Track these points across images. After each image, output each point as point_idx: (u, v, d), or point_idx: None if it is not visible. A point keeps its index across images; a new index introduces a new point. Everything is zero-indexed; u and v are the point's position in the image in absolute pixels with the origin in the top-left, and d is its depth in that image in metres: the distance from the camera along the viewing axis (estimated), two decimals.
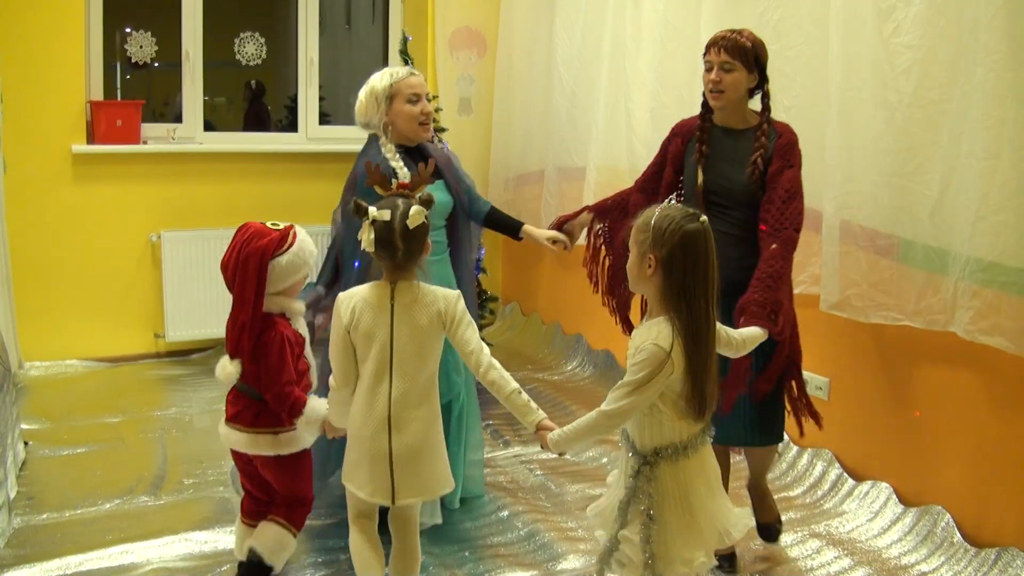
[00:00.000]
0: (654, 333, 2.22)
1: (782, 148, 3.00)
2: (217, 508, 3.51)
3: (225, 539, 3.25)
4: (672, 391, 2.24)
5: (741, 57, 2.96)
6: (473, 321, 2.52)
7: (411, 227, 2.43)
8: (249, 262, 2.68)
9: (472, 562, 3.21)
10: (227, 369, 2.75)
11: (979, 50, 2.89)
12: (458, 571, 3.13)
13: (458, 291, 2.56)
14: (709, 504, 2.32)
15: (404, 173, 3.22)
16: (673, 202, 2.35)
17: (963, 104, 3.00)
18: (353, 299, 2.52)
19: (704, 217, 2.23)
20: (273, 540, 2.85)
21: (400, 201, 2.47)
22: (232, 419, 2.82)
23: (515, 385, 2.46)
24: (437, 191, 3.26)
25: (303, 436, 2.83)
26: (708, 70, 3.03)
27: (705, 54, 3.05)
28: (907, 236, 3.28)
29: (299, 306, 2.87)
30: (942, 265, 3.15)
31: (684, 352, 2.20)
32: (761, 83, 3.04)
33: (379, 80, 3.32)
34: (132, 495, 3.61)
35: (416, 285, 2.51)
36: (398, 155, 3.30)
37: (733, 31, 3.01)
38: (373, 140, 3.37)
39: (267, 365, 2.72)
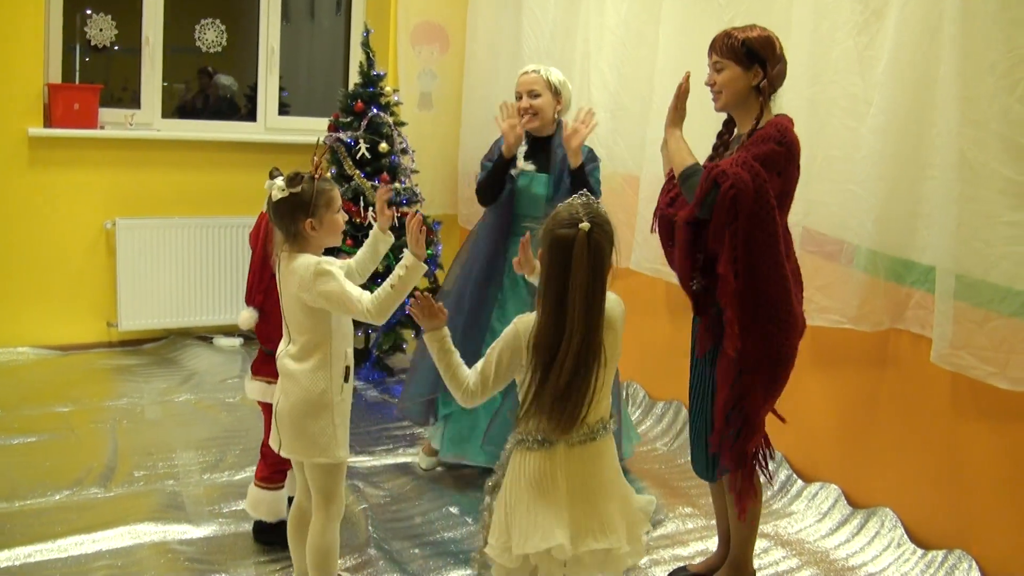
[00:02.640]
0: (528, 318, 2.21)
1: (751, 142, 2.68)
2: (167, 501, 3.48)
3: (175, 531, 3.24)
4: (522, 384, 2.21)
5: (730, 53, 2.72)
6: (337, 277, 2.48)
7: (274, 199, 2.51)
8: (260, 221, 3.08)
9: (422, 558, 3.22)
10: (243, 315, 3.11)
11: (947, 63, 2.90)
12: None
13: (318, 264, 2.48)
14: (526, 513, 2.19)
15: (521, 152, 3.73)
16: (586, 198, 2.16)
17: (932, 113, 3.02)
18: None
19: (585, 224, 2.09)
20: None
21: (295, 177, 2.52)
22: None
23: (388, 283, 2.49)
24: (538, 185, 3.71)
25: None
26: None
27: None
28: (854, 240, 3.32)
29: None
30: (888, 270, 3.22)
31: (530, 349, 2.16)
32: (766, 76, 2.72)
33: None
34: (82, 486, 3.57)
35: (292, 256, 2.53)
36: (525, 140, 3.76)
37: (727, 30, 2.78)
38: None
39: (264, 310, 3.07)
